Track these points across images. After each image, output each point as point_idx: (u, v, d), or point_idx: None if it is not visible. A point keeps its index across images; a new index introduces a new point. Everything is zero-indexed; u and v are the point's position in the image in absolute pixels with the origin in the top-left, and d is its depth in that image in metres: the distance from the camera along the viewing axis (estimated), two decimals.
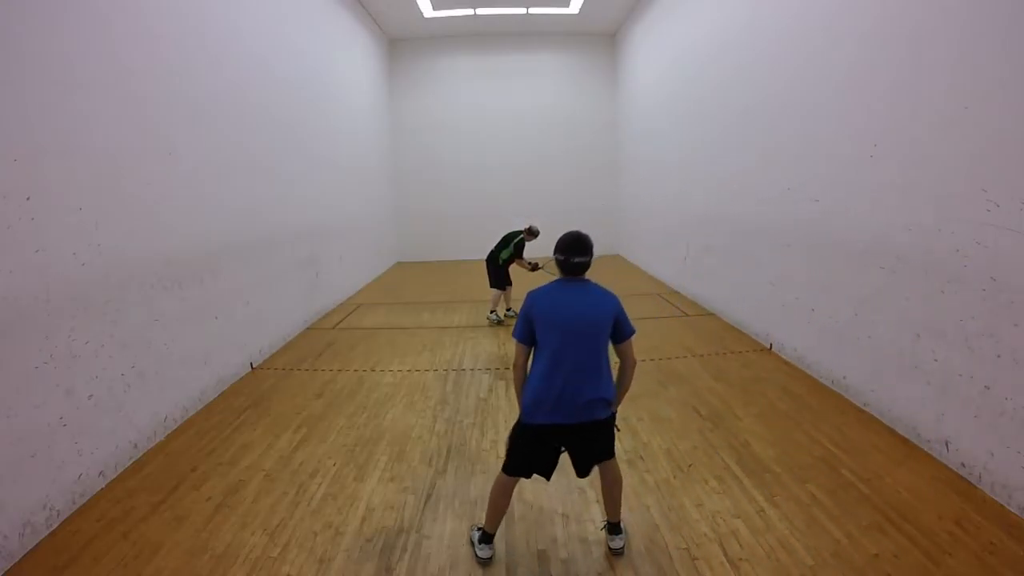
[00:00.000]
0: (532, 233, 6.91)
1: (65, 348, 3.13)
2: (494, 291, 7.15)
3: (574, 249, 2.43)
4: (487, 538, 2.63)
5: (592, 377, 2.36)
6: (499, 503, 2.60)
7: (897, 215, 3.74)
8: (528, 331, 2.42)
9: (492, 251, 7.09)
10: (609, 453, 2.55)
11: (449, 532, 2.85)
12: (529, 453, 2.49)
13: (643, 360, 5.43)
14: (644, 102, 10.73)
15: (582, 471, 2.57)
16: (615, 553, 2.64)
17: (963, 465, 3.20)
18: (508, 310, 7.33)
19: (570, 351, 2.35)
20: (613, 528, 2.67)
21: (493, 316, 7.15)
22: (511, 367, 2.57)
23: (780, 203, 5.41)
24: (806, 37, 4.85)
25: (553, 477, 3.29)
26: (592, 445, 2.49)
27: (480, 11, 11.12)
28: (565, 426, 2.39)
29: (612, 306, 2.41)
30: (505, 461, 2.57)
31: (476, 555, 2.62)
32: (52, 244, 3.08)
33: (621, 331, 2.42)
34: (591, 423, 2.41)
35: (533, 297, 2.44)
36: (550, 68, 13.07)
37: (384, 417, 4.30)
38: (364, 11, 10.71)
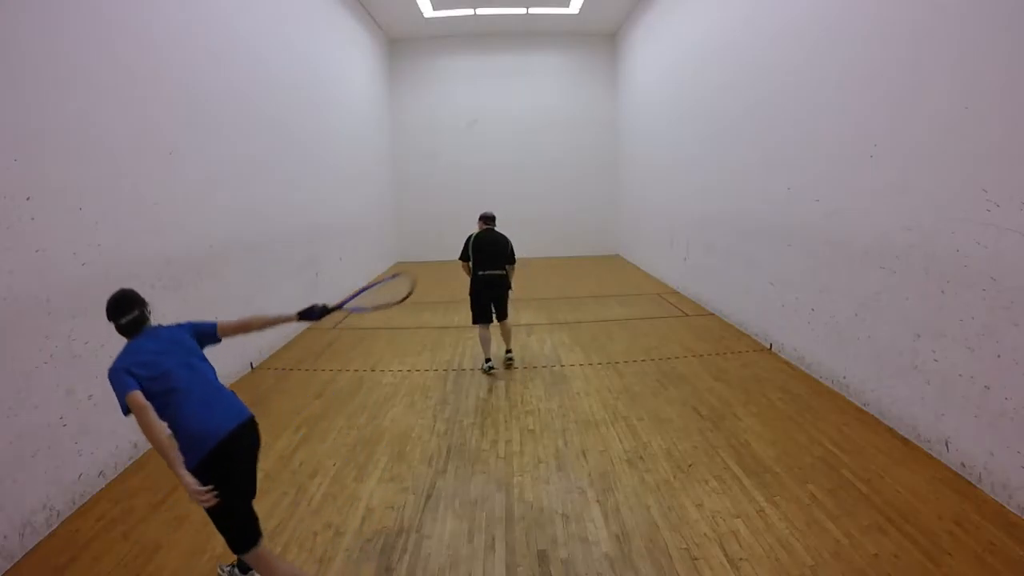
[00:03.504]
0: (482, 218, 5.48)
1: (65, 348, 3.13)
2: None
3: (116, 312, 2.23)
4: None
5: (216, 386, 2.28)
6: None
7: (897, 215, 3.74)
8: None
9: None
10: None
11: (449, 532, 2.85)
12: (233, 480, 2.18)
13: (643, 360, 5.44)
14: (644, 102, 10.73)
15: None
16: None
17: (963, 465, 3.20)
18: (507, 354, 5.43)
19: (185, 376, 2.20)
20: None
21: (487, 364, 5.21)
22: (149, 436, 2.02)
23: (780, 203, 5.41)
24: (806, 37, 4.85)
25: (552, 476, 3.34)
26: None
27: (480, 11, 11.12)
28: (236, 429, 2.20)
29: (184, 329, 2.38)
30: (235, 537, 2.22)
31: None
32: (52, 244, 3.08)
33: (204, 332, 2.44)
34: (250, 419, 2.28)
35: (124, 362, 2.13)
36: (550, 68, 13.07)
37: (384, 417, 4.30)
38: (364, 11, 10.71)
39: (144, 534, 2.87)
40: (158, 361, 2.18)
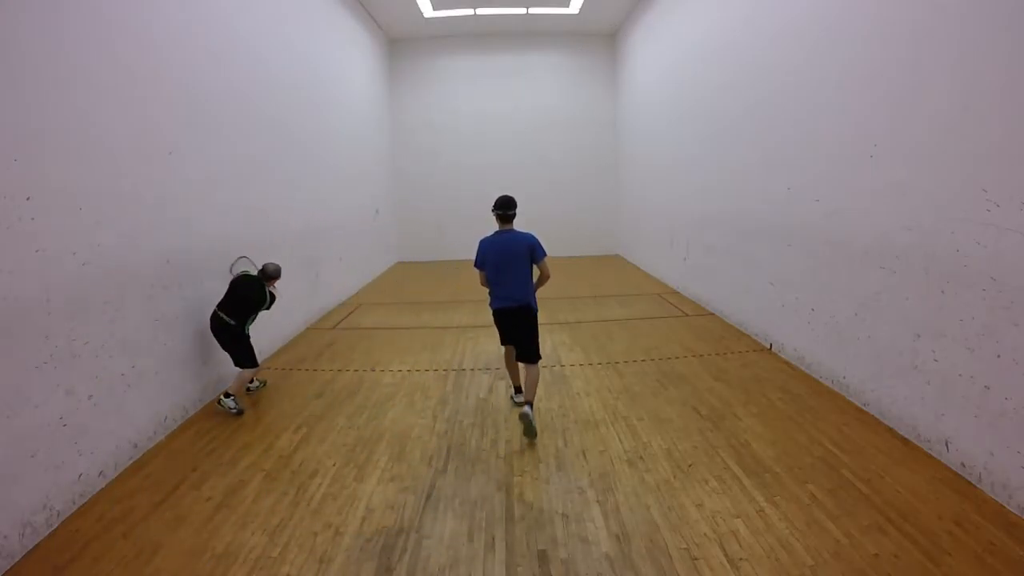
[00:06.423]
0: (269, 275, 4.80)
1: (65, 348, 3.13)
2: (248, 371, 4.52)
3: (504, 206, 4.10)
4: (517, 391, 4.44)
5: (520, 282, 4.07)
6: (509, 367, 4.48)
7: (897, 215, 3.74)
8: (481, 262, 4.15)
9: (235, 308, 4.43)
10: (532, 352, 4.07)
11: (449, 532, 2.85)
12: (500, 328, 4.24)
13: (643, 360, 5.44)
14: (644, 102, 10.73)
15: (522, 352, 4.12)
16: (522, 416, 3.74)
17: (963, 465, 3.20)
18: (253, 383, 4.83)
19: (505, 269, 4.06)
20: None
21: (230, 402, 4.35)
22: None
23: (780, 203, 5.41)
24: (806, 37, 4.85)
25: (553, 477, 3.34)
26: (522, 324, 4.08)
27: (480, 11, 11.12)
28: (509, 309, 4.08)
29: (528, 239, 4.05)
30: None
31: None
32: (52, 244, 3.08)
33: (535, 255, 4.03)
34: (521, 307, 4.06)
35: (481, 242, 4.16)
36: (550, 68, 13.06)
37: (384, 417, 4.30)
38: (364, 11, 10.71)
39: (144, 534, 2.87)
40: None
